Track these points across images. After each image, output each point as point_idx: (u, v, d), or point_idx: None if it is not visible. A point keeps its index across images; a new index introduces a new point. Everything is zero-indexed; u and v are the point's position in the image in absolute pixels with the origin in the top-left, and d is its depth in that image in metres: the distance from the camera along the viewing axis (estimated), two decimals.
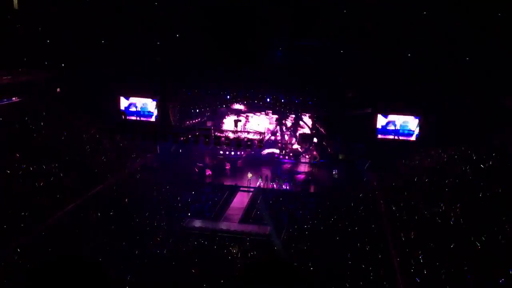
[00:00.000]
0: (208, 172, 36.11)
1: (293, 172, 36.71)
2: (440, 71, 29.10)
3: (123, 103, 35.73)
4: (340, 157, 36.32)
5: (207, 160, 37.75)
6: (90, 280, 2.24)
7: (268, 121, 39.71)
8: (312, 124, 37.50)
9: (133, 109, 36.02)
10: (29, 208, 23.23)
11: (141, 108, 36.17)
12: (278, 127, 39.30)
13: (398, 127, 33.68)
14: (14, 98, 30.37)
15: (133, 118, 35.26)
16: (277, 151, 38.67)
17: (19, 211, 22.71)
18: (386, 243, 22.50)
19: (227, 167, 37.49)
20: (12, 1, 29.48)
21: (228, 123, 38.58)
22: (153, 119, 35.55)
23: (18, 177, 25.29)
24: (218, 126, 37.62)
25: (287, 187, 34.49)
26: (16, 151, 26.78)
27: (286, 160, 38.23)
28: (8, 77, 29.81)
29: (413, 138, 33.14)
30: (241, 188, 33.98)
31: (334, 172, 35.09)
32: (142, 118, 35.52)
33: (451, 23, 27.37)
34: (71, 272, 2.23)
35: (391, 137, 33.62)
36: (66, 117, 31.83)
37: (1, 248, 19.97)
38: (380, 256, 21.55)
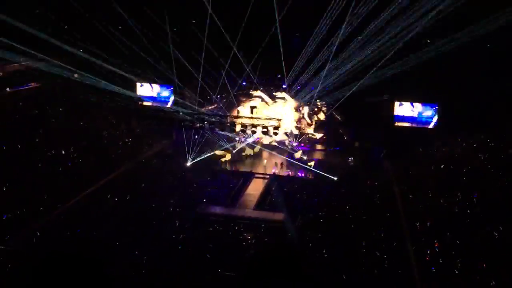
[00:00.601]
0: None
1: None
2: (458, 57, 28.41)
3: (140, 89, 35.85)
4: (356, 145, 36.02)
5: None
6: (90, 279, 2.20)
7: (284, 107, 39.41)
8: (328, 111, 37.14)
9: (149, 94, 36.15)
10: (48, 192, 23.61)
11: (157, 94, 36.28)
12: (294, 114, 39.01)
13: (415, 114, 33.20)
14: (32, 84, 30.72)
15: (150, 104, 35.38)
16: (287, 138, 38.36)
17: (39, 195, 23.11)
18: (401, 231, 22.29)
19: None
20: None
21: (244, 109, 38.44)
22: (169, 104, 35.62)
23: (37, 161, 25.69)
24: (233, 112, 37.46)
25: (302, 175, 34.34)
26: (35, 137, 27.17)
27: (301, 148, 38.01)
28: (27, 63, 30.12)
29: (431, 126, 32.65)
30: (256, 175, 33.96)
31: (349, 160, 34.81)
32: (158, 104, 35.62)
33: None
34: (70, 271, 2.20)
35: (408, 124, 33.18)
36: (84, 103, 32.08)
37: (19, 232, 20.36)
38: (395, 245, 21.37)
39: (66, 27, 31.87)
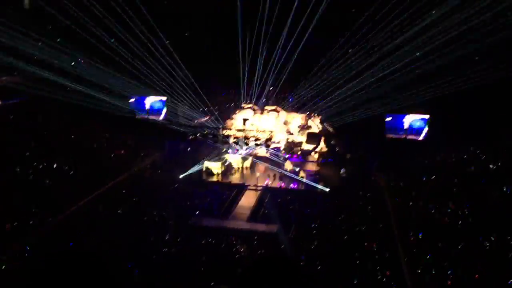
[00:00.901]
0: None
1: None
2: (449, 70, 28.87)
3: (133, 101, 35.86)
4: (348, 156, 36.22)
5: None
6: (95, 275, 2.25)
7: (276, 120, 39.67)
8: (320, 123, 37.44)
9: (143, 106, 36.18)
10: (40, 205, 23.44)
11: (151, 105, 36.33)
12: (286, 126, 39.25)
13: (406, 126, 33.53)
14: (23, 97, 30.62)
15: (143, 115, 35.41)
16: (280, 150, 38.53)
17: (30, 207, 22.93)
18: (394, 242, 22.38)
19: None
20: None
21: (237, 121, 38.60)
22: (162, 116, 35.66)
23: (29, 174, 25.53)
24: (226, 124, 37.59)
25: (295, 186, 34.40)
26: (27, 149, 27.03)
27: (293, 159, 38.12)
28: (18, 76, 30.09)
29: (421, 137, 32.96)
30: (249, 187, 33.94)
31: (342, 171, 34.97)
32: (151, 116, 35.65)
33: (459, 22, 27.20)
34: (76, 266, 2.25)
35: (400, 136, 33.48)
36: (76, 115, 32.01)
37: (11, 245, 20.15)
38: (388, 256, 21.43)
39: (58, 40, 31.92)
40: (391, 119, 33.41)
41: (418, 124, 33.08)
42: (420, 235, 20.58)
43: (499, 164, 25.61)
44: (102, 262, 2.36)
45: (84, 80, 31.31)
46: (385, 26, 28.65)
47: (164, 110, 36.31)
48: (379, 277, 19.93)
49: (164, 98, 35.45)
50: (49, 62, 29.44)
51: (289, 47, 33.29)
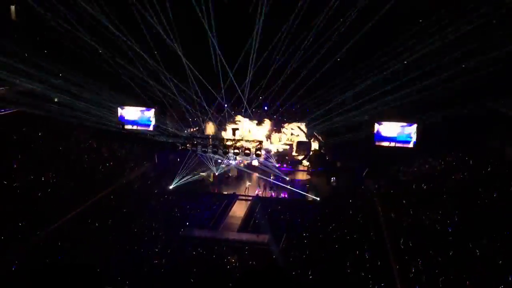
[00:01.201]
0: None
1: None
2: (435, 78, 29.22)
3: (121, 112, 35.69)
4: (338, 165, 36.36)
5: None
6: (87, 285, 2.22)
7: (265, 129, 39.75)
8: (309, 132, 37.58)
9: (131, 118, 35.99)
10: (27, 218, 23.14)
11: (139, 117, 36.15)
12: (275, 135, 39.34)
13: (395, 134, 33.70)
14: (11, 108, 30.36)
15: (131, 127, 35.22)
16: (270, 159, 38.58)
17: (17, 221, 22.63)
18: (385, 250, 22.42)
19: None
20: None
21: (226, 132, 38.60)
22: (151, 128, 35.51)
23: (16, 187, 25.22)
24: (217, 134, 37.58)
25: (285, 195, 34.41)
26: (14, 162, 26.73)
27: (283, 168, 38.17)
28: (6, 87, 29.85)
29: (410, 145, 33.11)
30: (240, 197, 33.89)
31: (332, 180, 35.05)
32: (140, 127, 35.47)
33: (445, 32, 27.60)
34: (68, 278, 2.22)
35: (389, 144, 33.63)
36: (64, 127, 31.80)
37: None
38: (379, 264, 21.46)
39: (45, 51, 31.77)
40: (380, 127, 33.56)
41: (406, 131, 33.26)
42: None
43: (489, 169, 25.85)
44: (91, 275, 2.33)
45: (71, 93, 31.14)
46: (372, 34, 28.94)
47: (153, 121, 36.15)
48: (370, 285, 19.92)
49: (153, 109, 35.35)
50: (34, 74, 29.25)
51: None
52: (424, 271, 19.59)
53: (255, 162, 37.49)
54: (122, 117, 35.13)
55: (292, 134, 39.10)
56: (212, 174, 36.72)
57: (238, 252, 24.09)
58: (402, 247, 22.21)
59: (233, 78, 32.46)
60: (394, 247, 22.21)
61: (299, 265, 22.17)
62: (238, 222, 29.41)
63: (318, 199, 32.56)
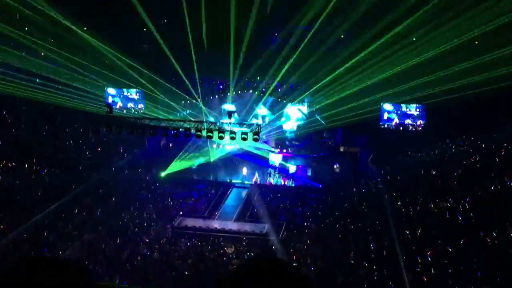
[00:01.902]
0: None
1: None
2: (445, 56, 29.03)
3: (109, 94, 35.53)
4: (341, 150, 36.36)
5: None
6: (72, 285, 2.20)
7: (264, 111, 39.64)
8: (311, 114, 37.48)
9: (119, 100, 35.84)
10: (9, 208, 23.17)
11: (128, 99, 36.00)
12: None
13: (402, 116, 33.71)
14: None
15: (119, 110, 35.09)
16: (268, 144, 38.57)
17: None
18: (391, 240, 22.57)
19: None
20: None
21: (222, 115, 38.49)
22: (141, 111, 35.38)
23: None
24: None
25: (285, 183, 34.49)
26: None
27: (283, 154, 38.18)
28: None
29: (418, 128, 33.17)
30: (236, 184, 33.95)
31: (335, 166, 35.10)
32: (129, 110, 35.35)
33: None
34: (50, 275, 2.20)
35: (395, 127, 33.66)
36: (47, 111, 31.65)
37: None
38: (385, 255, 21.62)
39: (26, 28, 31.41)
40: (386, 109, 33.54)
41: (414, 113, 33.27)
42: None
43: (502, 153, 25.89)
44: (79, 269, 2.31)
45: (54, 73, 30.90)
46: (380, 14, 28.66)
47: (144, 104, 36.03)
48: (375, 277, 20.10)
49: (142, 90, 35.18)
50: (12, 52, 28.95)
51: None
52: (433, 262, 19.75)
53: (253, 147, 37.47)
54: (109, 99, 34.99)
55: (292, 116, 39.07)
56: (206, 160, 36.57)
57: (235, 243, 24.24)
58: (409, 237, 22.36)
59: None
60: (401, 237, 22.35)
61: (300, 257, 22.33)
62: (235, 211, 29.52)
63: (320, 186, 32.62)
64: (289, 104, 37.95)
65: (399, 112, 33.67)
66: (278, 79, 34.62)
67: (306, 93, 35.56)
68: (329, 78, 32.32)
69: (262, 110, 38.58)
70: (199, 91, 35.31)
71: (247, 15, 29.85)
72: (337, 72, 31.63)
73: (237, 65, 33.59)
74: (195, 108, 38.41)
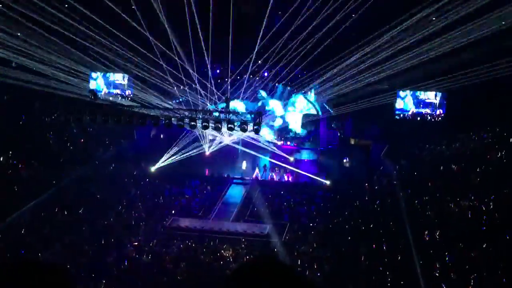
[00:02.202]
0: None
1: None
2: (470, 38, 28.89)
3: (93, 78, 35.45)
4: (352, 142, 36.33)
5: None
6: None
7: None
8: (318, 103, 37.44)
9: (105, 86, 35.75)
10: None
11: (114, 85, 35.92)
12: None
13: (420, 105, 33.62)
14: None
15: (105, 97, 35.02)
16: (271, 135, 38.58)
17: None
18: (407, 243, 22.58)
19: None
20: None
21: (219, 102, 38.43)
22: (128, 98, 35.31)
23: None
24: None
25: (289, 178, 34.49)
26: None
27: (286, 146, 38.16)
28: None
29: (438, 118, 33.10)
30: (235, 180, 33.96)
31: (344, 160, 35.08)
32: (115, 97, 35.28)
33: None
34: (30, 279, 2.19)
35: (412, 117, 33.59)
36: (25, 96, 31.58)
37: None
38: (399, 259, 21.64)
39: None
40: (402, 97, 33.45)
41: (434, 101, 33.18)
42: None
43: None
44: (60, 274, 2.30)
45: (33, 55, 30.79)
46: None
47: (131, 90, 35.96)
48: (389, 284, 20.13)
49: (130, 76, 35.10)
50: None
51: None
52: (453, 267, 19.77)
53: (253, 139, 37.48)
54: (93, 84, 34.91)
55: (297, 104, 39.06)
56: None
57: (233, 245, 24.27)
58: (427, 239, 22.37)
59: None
60: (417, 240, 22.37)
61: (305, 260, 22.37)
62: (234, 210, 29.54)
63: (328, 182, 32.62)
64: (298, 96, 38.00)
65: (416, 100, 33.58)
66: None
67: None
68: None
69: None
70: (195, 76, 35.23)
71: None
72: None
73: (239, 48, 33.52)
74: (189, 95, 38.36)
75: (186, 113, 29.82)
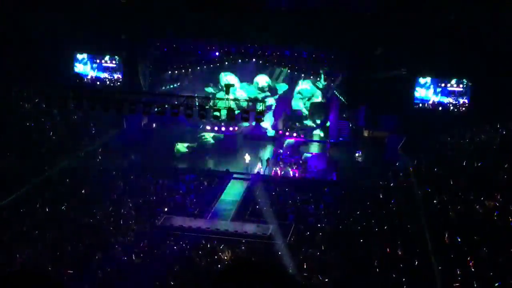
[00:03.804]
0: None
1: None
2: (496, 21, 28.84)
3: (79, 61, 35.42)
4: (365, 134, 36.27)
5: None
6: None
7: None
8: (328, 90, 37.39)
9: (91, 69, 35.73)
10: None
11: (101, 67, 35.88)
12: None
13: (442, 93, 33.56)
14: None
15: (91, 81, 35.02)
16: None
17: None
18: (425, 247, 22.60)
19: None
20: None
21: (217, 88, 38.43)
22: (118, 83, 35.30)
23: None
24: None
25: (296, 174, 34.48)
26: None
27: (293, 138, 38.16)
28: None
29: (462, 108, 33.04)
30: (235, 175, 33.94)
31: (357, 154, 35.07)
32: (103, 82, 35.27)
33: None
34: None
35: (432, 107, 33.53)
36: (1, 81, 31.60)
37: None
38: (416, 264, 21.67)
39: None
40: (423, 85, 33.38)
41: (457, 89, 33.11)
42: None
43: None
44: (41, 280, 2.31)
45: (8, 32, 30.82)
46: None
47: (120, 73, 35.96)
48: None
49: (119, 57, 35.07)
50: None
51: None
52: (476, 274, 19.78)
53: (255, 130, 37.53)
54: (78, 67, 34.88)
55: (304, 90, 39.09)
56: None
57: (232, 247, 24.30)
58: (447, 242, 22.37)
59: None
60: (437, 243, 22.38)
61: (312, 265, 22.39)
62: (233, 208, 29.55)
63: (338, 179, 32.62)
64: (300, 81, 37.94)
65: (437, 88, 33.51)
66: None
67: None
68: None
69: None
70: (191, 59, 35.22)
71: None
72: None
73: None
74: (184, 80, 38.35)
75: (181, 100, 29.79)
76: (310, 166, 34.25)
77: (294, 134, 38.34)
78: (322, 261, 22.82)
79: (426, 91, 33.56)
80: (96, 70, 36.13)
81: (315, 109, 38.52)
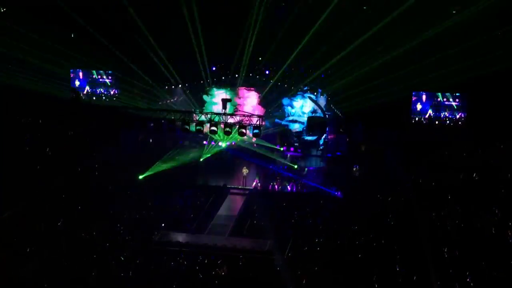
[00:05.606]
0: None
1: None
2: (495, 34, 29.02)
3: (75, 76, 35.52)
4: (363, 148, 36.30)
5: None
6: None
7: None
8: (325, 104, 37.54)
9: (87, 84, 35.84)
10: None
11: (98, 83, 35.99)
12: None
13: (439, 108, 33.68)
14: None
15: (88, 96, 35.11)
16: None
17: None
18: (424, 262, 22.53)
19: None
20: None
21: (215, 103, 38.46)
22: (114, 98, 35.38)
23: None
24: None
25: (293, 188, 34.47)
26: None
27: (290, 153, 38.19)
28: None
29: (458, 122, 33.16)
30: (232, 190, 33.92)
31: (354, 169, 35.09)
32: (100, 97, 35.36)
33: None
34: None
35: (429, 120, 33.63)
36: None
37: None
38: (415, 279, 21.60)
39: None
40: (419, 99, 33.51)
41: (453, 103, 33.23)
42: None
43: None
44: None
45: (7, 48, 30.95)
46: None
47: (117, 89, 36.05)
48: None
49: (115, 73, 35.19)
50: None
51: None
52: None
53: (252, 144, 37.57)
54: (75, 83, 35.00)
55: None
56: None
57: (230, 263, 24.23)
58: (446, 256, 22.33)
59: None
60: (436, 258, 22.33)
61: (311, 280, 22.30)
62: (230, 223, 29.51)
63: (336, 193, 32.62)
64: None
65: (434, 102, 33.64)
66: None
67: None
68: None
69: None
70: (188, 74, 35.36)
71: None
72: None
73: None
74: (180, 96, 38.45)
75: (178, 115, 29.82)
76: (308, 180, 34.26)
77: (292, 149, 38.40)
78: (321, 277, 22.73)
79: (422, 105, 33.68)
80: (92, 85, 36.21)
81: (312, 123, 38.56)
